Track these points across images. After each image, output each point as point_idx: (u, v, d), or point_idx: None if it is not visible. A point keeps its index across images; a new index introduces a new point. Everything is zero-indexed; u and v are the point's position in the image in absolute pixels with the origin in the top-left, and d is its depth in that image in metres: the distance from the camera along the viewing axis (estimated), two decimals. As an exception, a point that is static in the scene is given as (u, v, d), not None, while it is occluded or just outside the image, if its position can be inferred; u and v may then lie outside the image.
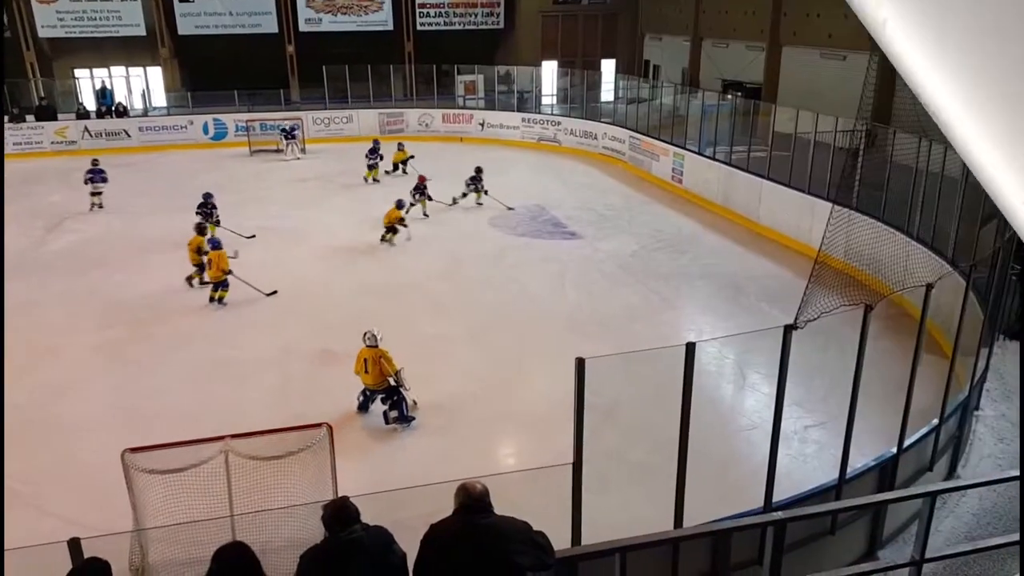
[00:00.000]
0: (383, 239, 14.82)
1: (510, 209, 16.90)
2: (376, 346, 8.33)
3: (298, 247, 14.95)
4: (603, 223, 16.48)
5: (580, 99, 25.69)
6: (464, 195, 17.45)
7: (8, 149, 23.68)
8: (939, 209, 11.14)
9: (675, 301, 12.53)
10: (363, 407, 8.58)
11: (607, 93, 27.27)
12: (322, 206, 17.91)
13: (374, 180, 20.17)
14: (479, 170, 17.65)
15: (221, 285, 11.97)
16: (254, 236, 14.48)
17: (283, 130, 23.86)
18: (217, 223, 14.52)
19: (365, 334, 8.42)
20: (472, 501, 3.70)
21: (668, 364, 5.67)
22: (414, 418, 8.40)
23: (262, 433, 5.62)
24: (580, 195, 18.85)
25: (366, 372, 8.28)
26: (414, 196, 16.66)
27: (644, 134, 21.15)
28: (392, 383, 8.30)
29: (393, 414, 8.25)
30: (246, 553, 3.67)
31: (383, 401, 8.34)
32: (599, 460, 5.47)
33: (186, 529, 5.35)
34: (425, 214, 16.67)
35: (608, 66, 31.97)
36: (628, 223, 16.50)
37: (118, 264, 13.90)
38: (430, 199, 16.98)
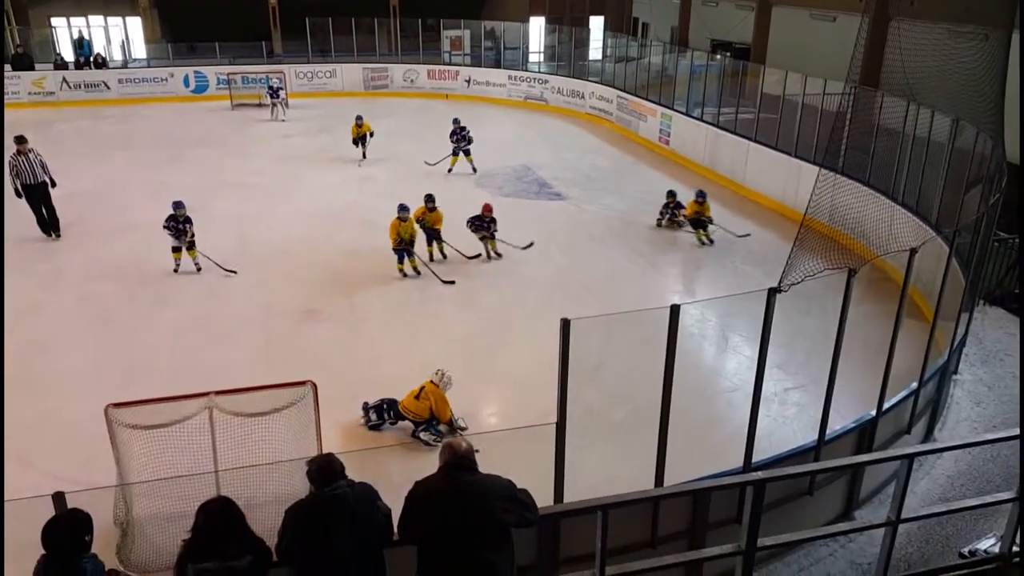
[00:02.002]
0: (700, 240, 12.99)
1: (527, 247, 12.59)
2: (439, 387, 7.60)
3: (280, 204, 14.78)
4: (589, 184, 16.39)
5: (568, 57, 25.36)
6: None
7: None
8: (924, 174, 11.16)
9: (660, 263, 12.54)
10: (374, 427, 7.71)
11: (595, 51, 26.93)
12: (305, 163, 17.68)
13: (474, 170, 16.79)
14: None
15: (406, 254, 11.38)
16: (235, 272, 11.40)
17: (269, 87, 22.87)
18: (191, 244, 11.40)
19: (439, 372, 7.70)
20: (457, 459, 3.72)
21: (652, 326, 5.68)
22: (442, 432, 7.64)
23: (247, 390, 5.60)
24: (566, 155, 18.71)
25: (416, 399, 7.55)
26: (477, 230, 12.26)
27: (632, 94, 20.94)
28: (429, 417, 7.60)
29: (424, 434, 7.54)
30: (231, 507, 3.69)
31: (415, 423, 7.62)
32: (582, 420, 5.50)
33: (170, 484, 5.37)
34: (497, 253, 12.30)
35: (596, 23, 31.54)
36: (614, 184, 16.42)
37: (98, 220, 13.69)
38: (493, 234, 12.27)
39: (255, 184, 16.01)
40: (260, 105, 23.13)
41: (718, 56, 22.59)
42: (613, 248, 12.85)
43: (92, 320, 9.99)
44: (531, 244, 12.57)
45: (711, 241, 13.00)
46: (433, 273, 11.38)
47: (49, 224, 12.77)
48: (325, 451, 4.58)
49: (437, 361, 8.95)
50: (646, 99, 20.18)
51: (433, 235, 12.02)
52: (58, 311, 10.22)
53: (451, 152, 16.80)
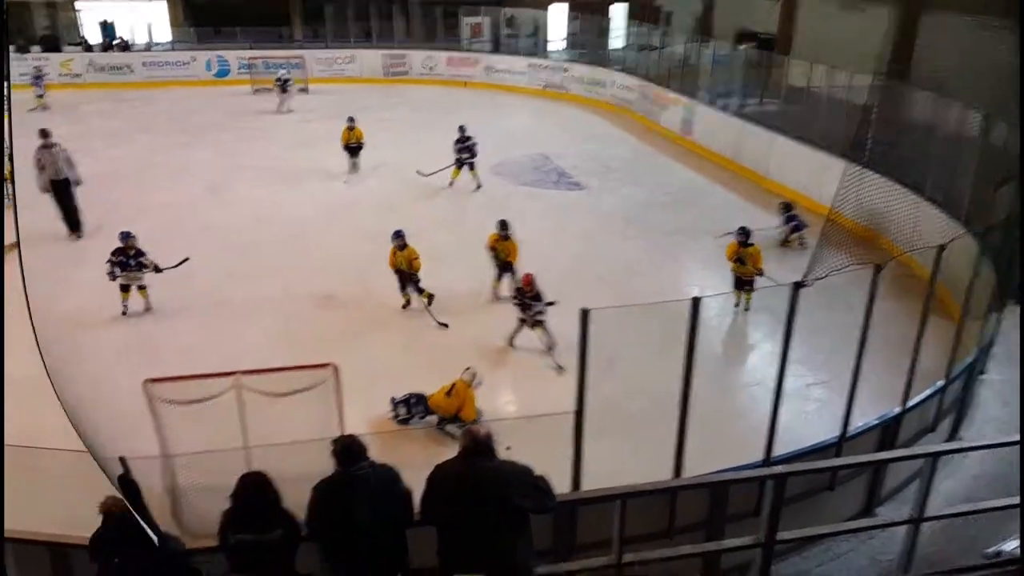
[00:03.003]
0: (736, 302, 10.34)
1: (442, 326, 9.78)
2: (470, 386, 7.54)
3: (296, 189, 14.88)
4: (609, 175, 16.32)
5: (589, 45, 25.19)
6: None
7: (14, 80, 23.11)
8: (953, 170, 11.01)
9: (679, 256, 12.45)
10: (403, 422, 7.69)
11: (617, 40, 26.75)
12: (323, 148, 17.71)
13: (478, 186, 15.00)
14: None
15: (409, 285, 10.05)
16: (187, 258, 10.18)
17: (278, 79, 21.98)
18: (144, 268, 9.78)
19: (468, 371, 7.58)
20: (476, 445, 3.76)
21: (670, 318, 5.66)
22: None
23: (270, 371, 5.72)
24: (586, 145, 18.65)
25: (448, 396, 7.53)
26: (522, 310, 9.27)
27: (654, 83, 20.81)
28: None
29: (450, 427, 7.55)
30: (267, 482, 3.94)
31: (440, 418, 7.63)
32: (599, 410, 5.49)
33: (204, 458, 5.54)
34: (548, 347, 9.02)
35: (619, 11, 31.31)
36: (635, 175, 16.34)
37: (120, 200, 13.79)
38: (536, 319, 9.16)
39: (272, 168, 16.08)
40: (270, 90, 22.78)
41: (742, 46, 22.37)
42: (631, 239, 12.80)
43: (114, 301, 10.07)
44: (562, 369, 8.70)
45: (746, 307, 10.23)
46: (430, 314, 9.90)
47: (69, 222, 12.30)
48: (348, 432, 4.63)
49: (450, 349, 9.00)
50: (669, 89, 20.04)
51: (507, 268, 10.30)
52: (81, 292, 10.32)
53: (453, 163, 14.84)
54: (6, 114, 3.17)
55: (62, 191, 12.23)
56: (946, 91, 10.97)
